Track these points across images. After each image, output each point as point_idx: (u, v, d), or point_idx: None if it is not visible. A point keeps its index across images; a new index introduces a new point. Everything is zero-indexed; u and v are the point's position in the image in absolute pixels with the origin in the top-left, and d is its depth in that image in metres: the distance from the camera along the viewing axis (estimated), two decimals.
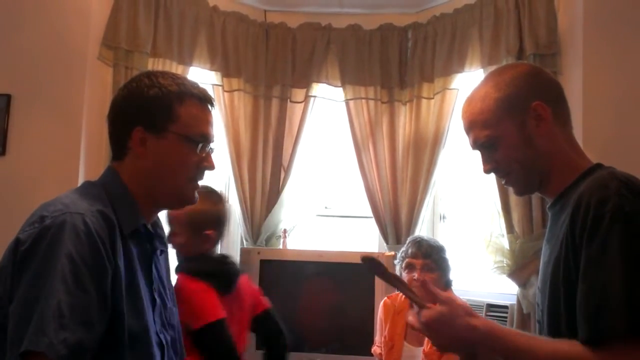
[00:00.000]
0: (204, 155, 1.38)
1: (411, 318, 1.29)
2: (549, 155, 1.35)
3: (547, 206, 1.43)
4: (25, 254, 1.16)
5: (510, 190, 2.93)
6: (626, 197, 1.16)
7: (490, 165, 1.41)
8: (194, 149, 1.36)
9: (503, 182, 1.44)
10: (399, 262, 2.71)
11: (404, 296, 2.65)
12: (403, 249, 2.72)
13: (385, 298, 2.75)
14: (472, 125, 1.40)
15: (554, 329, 1.28)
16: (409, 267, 2.62)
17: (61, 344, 1.09)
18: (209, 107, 1.41)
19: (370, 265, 1.34)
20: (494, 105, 1.36)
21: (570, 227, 1.21)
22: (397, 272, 2.72)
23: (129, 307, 1.24)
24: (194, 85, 1.40)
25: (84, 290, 1.15)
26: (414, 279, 2.57)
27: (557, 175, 1.36)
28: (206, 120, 1.39)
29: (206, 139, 1.38)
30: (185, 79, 1.42)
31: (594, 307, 1.14)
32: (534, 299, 2.56)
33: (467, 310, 1.24)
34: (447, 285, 2.63)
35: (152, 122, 1.33)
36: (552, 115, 1.35)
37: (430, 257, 2.59)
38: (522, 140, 1.35)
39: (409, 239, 2.77)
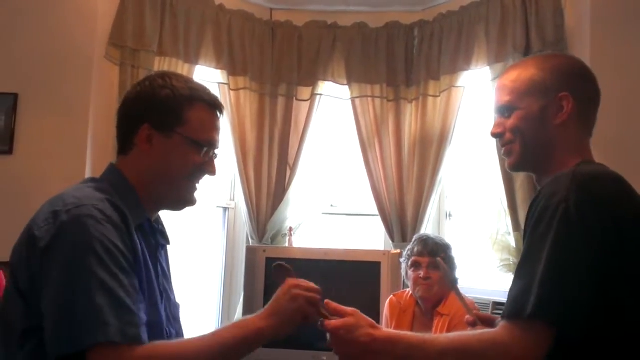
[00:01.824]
0: (206, 160, 1.40)
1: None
2: (554, 144, 1.39)
3: None
4: (47, 251, 1.16)
5: (517, 188, 2.98)
6: (572, 191, 1.20)
7: (499, 129, 1.45)
8: (199, 153, 1.38)
9: (502, 152, 1.48)
10: (404, 260, 2.71)
11: (409, 294, 2.65)
12: (409, 247, 2.72)
13: (392, 296, 2.75)
14: (501, 88, 1.45)
15: None
16: (415, 265, 2.62)
17: (128, 326, 1.13)
18: (218, 113, 1.43)
19: (278, 272, 1.42)
20: (528, 80, 1.41)
21: (527, 219, 1.28)
22: (403, 270, 2.71)
23: (147, 296, 1.27)
24: (206, 91, 1.42)
25: (125, 272, 1.18)
26: (420, 277, 2.57)
27: (554, 165, 1.38)
28: (214, 127, 1.41)
29: (211, 144, 1.40)
30: (198, 84, 1.44)
31: (513, 290, 1.21)
32: None
33: (371, 323, 1.31)
34: (452, 283, 2.62)
35: (161, 121, 1.35)
36: (575, 112, 1.39)
37: (437, 255, 2.59)
38: (536, 120, 1.39)
39: (415, 237, 2.77)
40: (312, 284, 1.38)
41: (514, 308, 1.19)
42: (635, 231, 1.20)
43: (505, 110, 1.43)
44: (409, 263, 2.65)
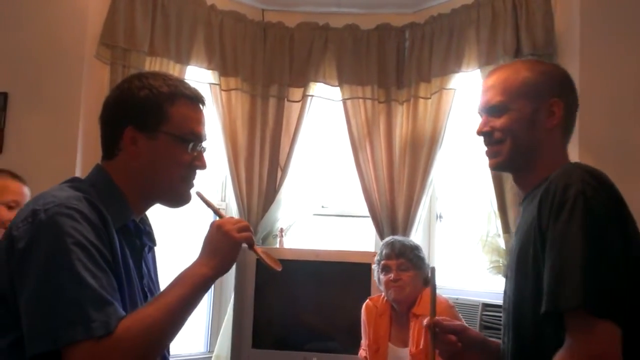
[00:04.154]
0: (195, 154, 1.39)
1: None
2: (541, 147, 1.42)
3: (519, 202, 1.51)
4: (25, 250, 1.16)
5: (507, 190, 3.00)
6: (588, 183, 1.23)
7: (487, 129, 1.46)
8: (185, 148, 1.37)
9: (487, 151, 1.49)
10: (375, 266, 2.68)
11: (385, 298, 2.64)
12: (378, 251, 2.70)
13: (367, 300, 2.72)
14: (492, 87, 1.46)
15: (519, 313, 1.35)
16: (385, 269, 2.60)
17: (107, 319, 1.12)
18: (201, 106, 1.42)
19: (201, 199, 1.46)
20: (520, 82, 1.43)
21: (538, 213, 1.27)
22: (375, 277, 2.70)
23: (128, 296, 1.26)
24: (186, 86, 1.41)
25: (102, 269, 1.18)
26: (391, 280, 2.56)
27: (537, 167, 1.42)
28: (197, 120, 1.40)
29: (197, 137, 1.39)
30: (177, 79, 1.43)
31: (554, 281, 1.20)
32: None
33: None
34: (425, 283, 2.60)
35: (144, 122, 1.34)
36: (563, 118, 1.43)
37: (404, 255, 2.58)
38: (527, 122, 1.42)
39: (383, 242, 2.76)
40: (235, 217, 1.40)
41: (560, 302, 1.18)
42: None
43: (496, 110, 1.44)
44: (380, 268, 2.64)
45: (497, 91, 1.44)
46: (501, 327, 1.52)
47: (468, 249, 3.28)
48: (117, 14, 3.12)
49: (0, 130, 2.98)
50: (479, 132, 1.48)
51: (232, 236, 1.32)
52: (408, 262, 2.57)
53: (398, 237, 2.75)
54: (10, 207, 2.14)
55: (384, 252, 2.63)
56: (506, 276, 1.50)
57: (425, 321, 1.53)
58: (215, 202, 3.68)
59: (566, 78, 1.48)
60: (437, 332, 1.51)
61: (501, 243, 2.97)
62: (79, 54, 3.07)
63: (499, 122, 1.43)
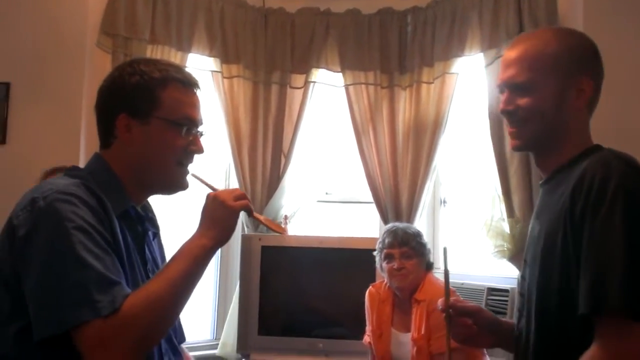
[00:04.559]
0: (190, 138, 1.39)
1: None
2: (568, 127, 1.35)
3: (540, 182, 1.43)
4: (27, 237, 1.17)
5: (511, 174, 2.99)
6: (628, 175, 1.18)
7: (511, 107, 1.37)
8: (179, 133, 1.37)
9: (510, 131, 1.41)
10: (377, 253, 2.68)
11: (388, 285, 2.65)
12: (380, 239, 2.69)
13: (370, 287, 2.73)
14: (517, 61, 1.36)
15: (544, 304, 1.30)
16: (388, 257, 2.60)
17: (113, 298, 1.13)
18: (194, 90, 1.41)
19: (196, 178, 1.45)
20: (552, 56, 1.34)
21: (571, 204, 1.22)
22: (377, 264, 2.70)
23: (130, 281, 1.26)
24: (177, 70, 1.41)
25: (105, 251, 1.19)
26: (394, 268, 2.56)
27: (563, 147, 1.35)
28: (191, 104, 1.39)
29: (191, 121, 1.39)
30: (169, 64, 1.43)
31: (594, 282, 1.15)
32: None
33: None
34: (428, 268, 2.62)
35: (136, 108, 1.34)
36: (591, 95, 1.36)
37: (407, 244, 2.58)
38: (555, 100, 1.34)
39: (384, 229, 2.76)
40: (231, 188, 1.40)
41: (600, 304, 1.14)
42: None
43: (521, 88, 1.35)
44: (382, 256, 2.64)
45: (523, 67, 1.34)
46: (515, 311, 1.49)
47: (472, 233, 3.28)
48: (118, 2, 3.11)
49: (3, 120, 2.98)
50: (503, 111, 1.39)
51: (229, 205, 1.31)
52: (411, 250, 2.58)
53: (400, 225, 2.75)
54: None
55: (386, 240, 2.63)
56: (525, 260, 1.44)
57: (439, 302, 1.50)
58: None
59: (595, 52, 1.38)
60: (452, 315, 1.48)
61: (506, 227, 2.97)
62: (80, 43, 3.07)
63: (524, 101, 1.34)
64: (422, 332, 2.43)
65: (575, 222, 1.20)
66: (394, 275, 2.56)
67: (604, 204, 1.16)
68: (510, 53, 1.39)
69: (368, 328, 2.68)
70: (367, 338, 2.68)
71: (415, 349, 2.45)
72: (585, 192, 1.19)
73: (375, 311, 2.64)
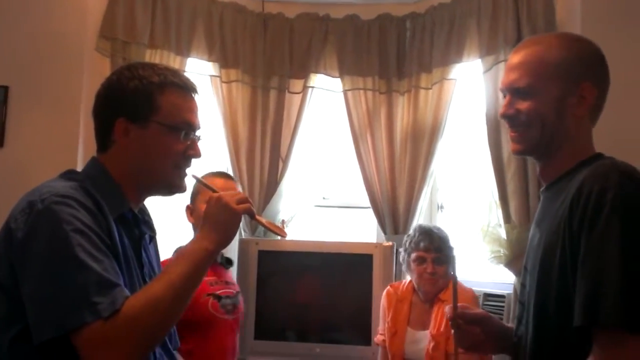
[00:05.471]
0: (188, 143, 1.40)
1: None
2: (568, 133, 1.35)
3: (541, 189, 1.43)
4: (25, 240, 1.17)
5: (508, 180, 2.99)
6: (626, 187, 1.17)
7: (511, 111, 1.37)
8: (178, 137, 1.37)
9: (511, 135, 1.41)
10: (406, 251, 2.73)
11: (407, 284, 2.70)
12: (411, 237, 2.73)
13: (388, 287, 2.80)
14: (520, 66, 1.37)
15: (542, 313, 1.30)
16: (419, 260, 2.66)
17: (113, 300, 1.13)
18: (192, 95, 1.42)
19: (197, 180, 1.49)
20: (553, 62, 1.34)
21: (569, 215, 1.21)
22: (403, 260, 2.75)
23: (127, 284, 1.26)
24: (176, 74, 1.41)
25: (103, 253, 1.19)
26: (427, 272, 2.60)
27: (564, 155, 1.35)
28: (189, 108, 1.40)
29: (189, 126, 1.39)
30: (167, 68, 1.44)
31: (590, 294, 1.15)
32: None
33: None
34: (454, 278, 2.65)
35: (134, 112, 1.35)
36: (593, 103, 1.35)
37: (442, 251, 2.66)
38: (555, 106, 1.33)
39: (417, 228, 2.78)
40: (232, 191, 1.42)
41: (596, 317, 1.13)
42: None
43: (522, 92, 1.35)
44: (413, 257, 2.67)
45: (524, 71, 1.35)
46: (515, 318, 1.49)
47: (469, 239, 3.28)
48: (117, 6, 3.12)
49: (2, 124, 2.98)
50: (503, 114, 1.40)
51: (232, 208, 1.32)
52: (444, 257, 2.65)
53: (433, 228, 2.78)
54: None
55: (421, 243, 2.66)
56: (525, 268, 1.44)
57: (447, 310, 1.50)
58: None
59: (601, 59, 1.38)
60: (460, 324, 1.48)
61: (502, 233, 2.97)
62: (79, 47, 3.07)
63: (525, 105, 1.34)
64: (442, 329, 2.50)
65: (573, 233, 1.20)
66: (424, 279, 2.63)
67: (600, 216, 1.16)
68: (514, 57, 1.40)
69: (382, 327, 2.74)
70: (380, 337, 2.74)
71: (432, 344, 2.52)
72: (583, 204, 1.19)
73: (392, 310, 2.70)
